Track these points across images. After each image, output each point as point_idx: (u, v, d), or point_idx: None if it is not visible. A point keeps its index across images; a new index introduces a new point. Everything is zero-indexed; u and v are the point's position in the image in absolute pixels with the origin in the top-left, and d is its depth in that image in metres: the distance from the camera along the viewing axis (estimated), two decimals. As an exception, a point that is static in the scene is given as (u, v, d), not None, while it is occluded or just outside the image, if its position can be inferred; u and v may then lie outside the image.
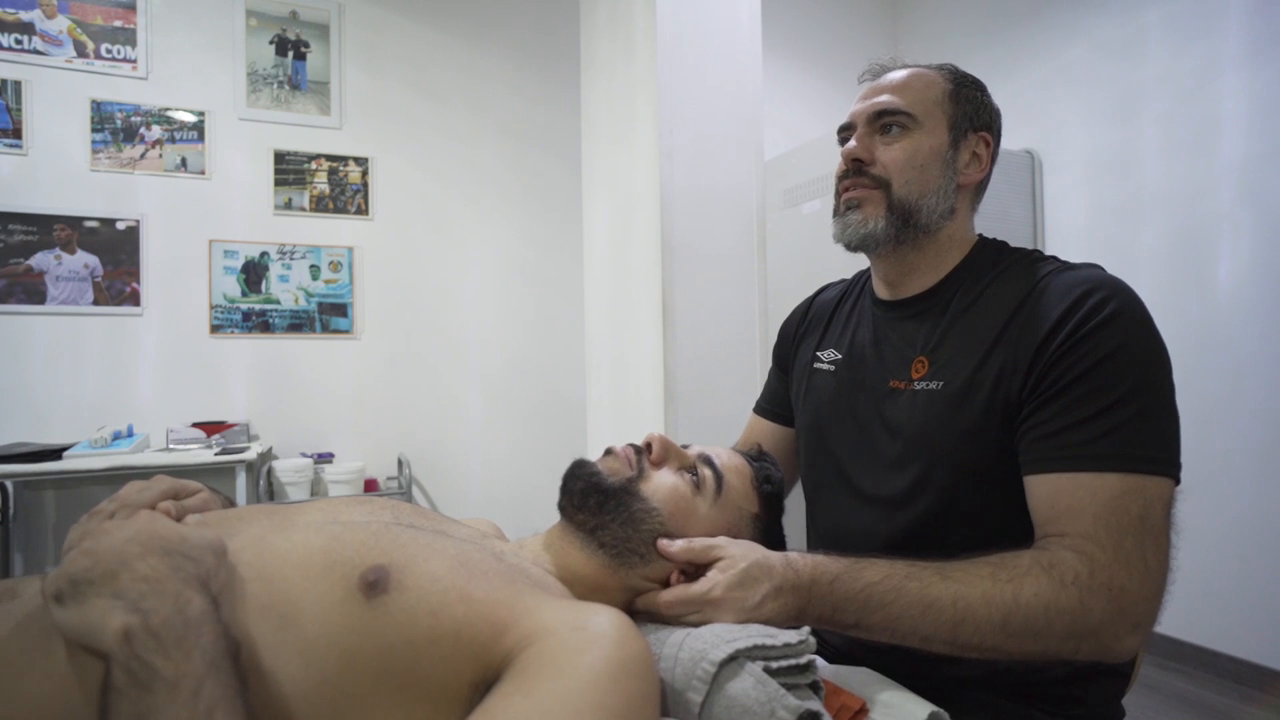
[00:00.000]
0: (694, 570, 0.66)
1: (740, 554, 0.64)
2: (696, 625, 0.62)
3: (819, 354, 0.94)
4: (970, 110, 0.82)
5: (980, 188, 0.86)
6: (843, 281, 1.03)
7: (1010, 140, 2.76)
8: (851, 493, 0.84)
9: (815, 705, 0.54)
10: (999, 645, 0.61)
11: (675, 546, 0.66)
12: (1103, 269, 0.74)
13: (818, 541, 0.92)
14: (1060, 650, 0.61)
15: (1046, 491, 0.67)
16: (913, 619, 0.62)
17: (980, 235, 0.87)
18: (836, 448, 0.87)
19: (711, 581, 0.63)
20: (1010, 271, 0.78)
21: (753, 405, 1.09)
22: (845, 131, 0.86)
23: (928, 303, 0.83)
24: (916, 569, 0.64)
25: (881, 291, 0.89)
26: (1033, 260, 0.79)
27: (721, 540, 0.66)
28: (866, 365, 0.86)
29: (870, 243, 0.82)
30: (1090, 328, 0.68)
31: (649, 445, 0.71)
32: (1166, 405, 0.68)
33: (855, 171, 0.83)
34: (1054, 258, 0.79)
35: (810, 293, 1.08)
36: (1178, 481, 0.67)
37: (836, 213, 0.85)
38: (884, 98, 0.82)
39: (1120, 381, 0.66)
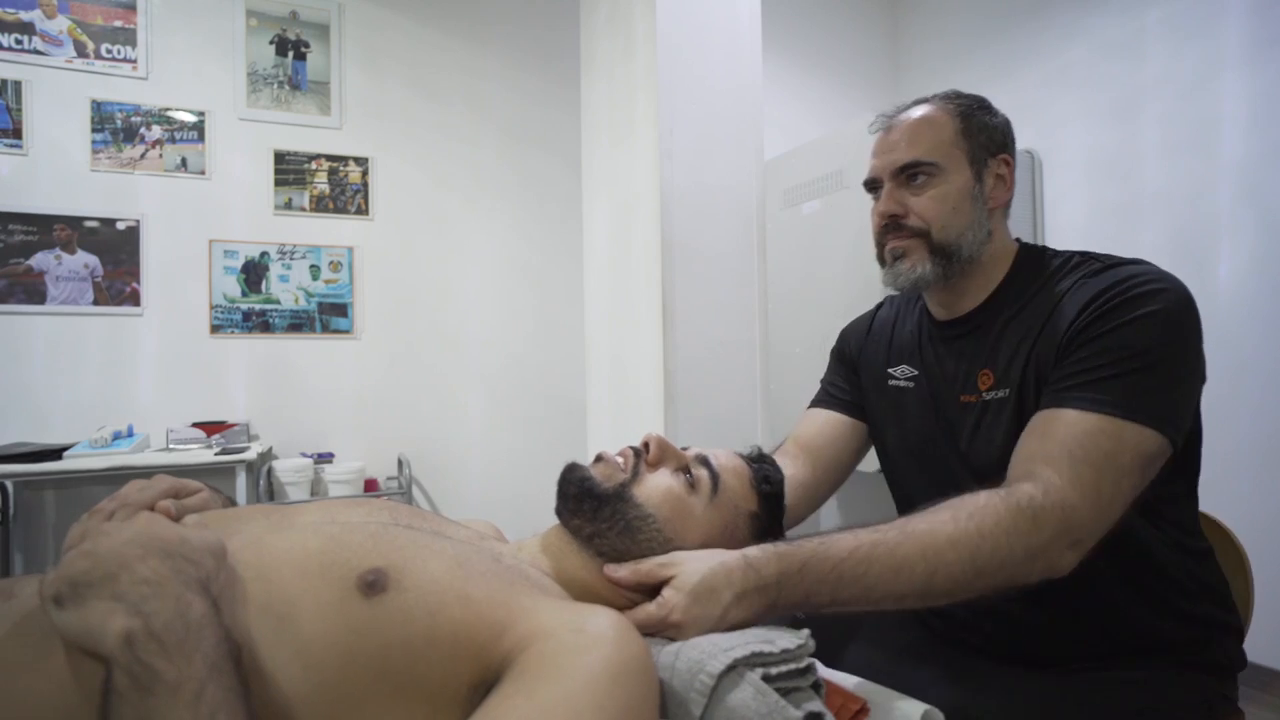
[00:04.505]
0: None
1: (693, 568, 0.63)
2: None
3: (890, 370, 0.96)
4: (984, 139, 0.85)
5: (1008, 201, 0.88)
6: (893, 299, 1.05)
7: (1010, 140, 2.76)
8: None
9: (816, 707, 0.54)
10: (970, 583, 0.63)
11: (621, 573, 0.64)
12: (1151, 264, 0.76)
13: None
14: (1018, 574, 0.64)
15: (1033, 424, 0.71)
16: (886, 584, 0.63)
17: (1019, 241, 0.89)
18: (929, 464, 0.89)
19: (669, 605, 0.62)
20: (1055, 278, 0.81)
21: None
22: (872, 187, 0.89)
23: (981, 317, 0.86)
24: (880, 534, 0.65)
25: (937, 313, 0.92)
26: (1075, 264, 0.81)
27: (673, 556, 0.65)
28: (940, 382, 0.89)
29: (921, 285, 0.86)
30: (1124, 298, 0.71)
31: (646, 445, 0.71)
32: (1180, 372, 0.70)
33: (893, 226, 0.86)
34: (1099, 255, 0.80)
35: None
36: (1171, 441, 0.68)
37: (884, 263, 0.88)
38: (901, 152, 0.84)
39: (1137, 341, 0.69)
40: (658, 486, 0.68)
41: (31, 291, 2.36)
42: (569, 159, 2.88)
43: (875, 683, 0.66)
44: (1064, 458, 0.66)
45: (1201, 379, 0.72)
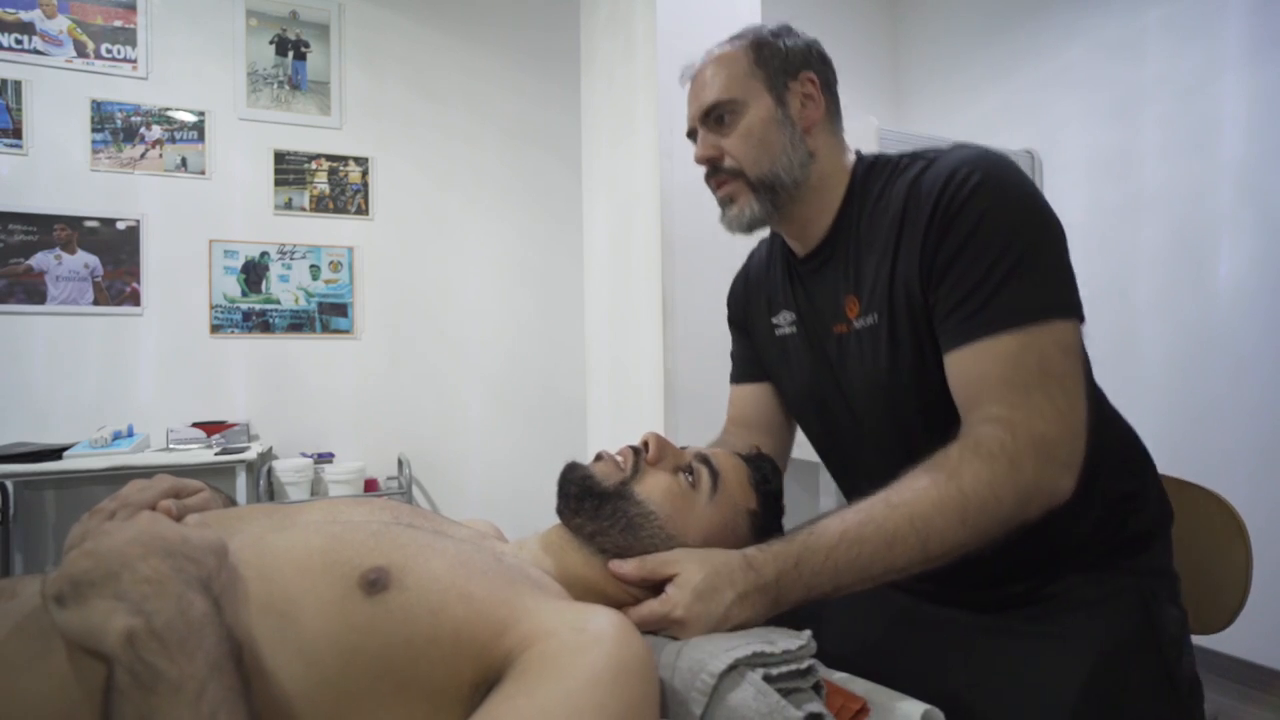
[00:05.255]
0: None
1: (696, 566, 0.63)
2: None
3: (774, 320, 0.95)
4: (779, 63, 0.83)
5: (831, 116, 0.86)
6: (765, 242, 1.03)
7: (1010, 140, 2.76)
8: (854, 446, 0.87)
9: (817, 707, 0.54)
10: (965, 540, 0.63)
11: (627, 567, 0.65)
12: (971, 147, 0.75)
13: (848, 493, 0.94)
14: (1015, 517, 0.64)
15: (956, 370, 0.71)
16: (882, 560, 0.63)
17: (857, 154, 0.88)
18: (821, 407, 0.89)
19: (672, 601, 0.62)
20: (890, 184, 0.80)
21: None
22: (693, 138, 0.89)
23: (833, 244, 0.85)
24: (865, 511, 0.65)
25: (795, 248, 0.91)
26: (904, 166, 0.80)
27: (677, 554, 0.65)
28: (813, 319, 0.88)
29: (756, 225, 0.85)
30: (956, 205, 0.70)
31: (646, 444, 0.71)
32: (1044, 253, 0.69)
33: (713, 170, 0.86)
34: (924, 154, 0.79)
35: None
36: (1080, 319, 0.69)
37: (721, 206, 0.88)
38: (705, 95, 0.84)
39: (991, 246, 0.68)
40: (658, 484, 0.68)
41: (31, 291, 2.36)
42: (569, 159, 2.88)
43: (876, 682, 0.67)
44: (1007, 389, 0.65)
45: (1061, 230, 0.71)
